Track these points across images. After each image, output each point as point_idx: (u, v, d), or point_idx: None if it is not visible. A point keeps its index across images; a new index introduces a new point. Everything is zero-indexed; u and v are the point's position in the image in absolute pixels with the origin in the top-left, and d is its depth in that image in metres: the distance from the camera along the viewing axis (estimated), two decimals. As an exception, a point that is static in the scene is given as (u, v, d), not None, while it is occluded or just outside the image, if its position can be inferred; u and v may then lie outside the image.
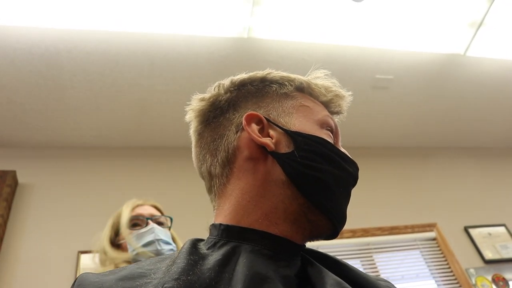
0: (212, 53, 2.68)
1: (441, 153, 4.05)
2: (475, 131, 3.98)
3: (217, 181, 0.69)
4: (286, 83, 0.74)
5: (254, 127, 0.68)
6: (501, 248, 3.37)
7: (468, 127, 3.91)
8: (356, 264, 3.10)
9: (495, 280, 3.14)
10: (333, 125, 0.75)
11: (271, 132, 0.68)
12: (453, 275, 3.16)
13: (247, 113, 0.68)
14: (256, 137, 0.66)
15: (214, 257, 0.59)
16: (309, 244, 0.69)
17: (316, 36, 2.68)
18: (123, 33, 2.46)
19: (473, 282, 3.08)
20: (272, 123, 0.69)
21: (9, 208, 2.75)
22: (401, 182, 3.73)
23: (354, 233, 3.20)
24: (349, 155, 0.73)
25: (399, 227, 3.33)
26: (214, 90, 0.74)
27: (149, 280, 0.56)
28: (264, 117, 0.69)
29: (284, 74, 0.76)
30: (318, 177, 0.65)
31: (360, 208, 3.33)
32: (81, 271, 2.62)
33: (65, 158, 3.14)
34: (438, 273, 3.18)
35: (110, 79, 2.72)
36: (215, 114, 0.72)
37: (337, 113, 0.81)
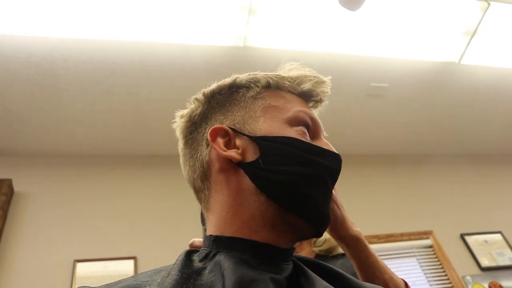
0: (208, 62, 2.69)
1: (436, 161, 4.06)
2: (470, 139, 4.00)
3: (202, 195, 0.71)
4: (252, 85, 0.73)
5: (220, 140, 0.68)
6: (497, 255, 3.38)
7: (463, 135, 3.92)
8: (352, 272, 3.09)
9: (491, 288, 3.14)
10: (307, 119, 0.71)
11: (238, 142, 0.68)
12: (450, 283, 3.16)
13: (212, 128, 0.69)
14: (222, 151, 0.67)
15: (206, 272, 0.59)
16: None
17: (312, 45, 2.70)
18: (119, 42, 2.47)
19: (470, 289, 3.08)
20: (238, 133, 0.68)
21: (4, 216, 2.74)
22: (397, 189, 3.74)
23: (351, 241, 3.19)
24: (328, 147, 0.70)
25: (395, 235, 3.33)
26: (191, 104, 0.75)
27: None
28: (230, 128, 0.69)
29: (251, 75, 0.75)
30: (285, 181, 0.64)
31: (356, 216, 3.32)
32: (77, 279, 2.61)
33: (61, 167, 3.13)
34: (435, 280, 3.18)
35: (106, 87, 2.72)
36: (191, 130, 0.73)
37: (318, 102, 0.77)
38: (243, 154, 0.67)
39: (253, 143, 0.67)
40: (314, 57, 2.79)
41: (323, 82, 0.76)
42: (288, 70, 0.77)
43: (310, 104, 0.77)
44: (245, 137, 0.68)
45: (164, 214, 3.07)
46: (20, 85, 2.59)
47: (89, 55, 2.50)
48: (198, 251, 0.67)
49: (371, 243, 3.24)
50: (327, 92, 0.77)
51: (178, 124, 0.76)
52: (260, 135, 0.67)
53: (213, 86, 0.75)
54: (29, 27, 2.28)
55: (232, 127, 0.69)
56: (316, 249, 1.38)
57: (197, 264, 0.62)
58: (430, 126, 3.70)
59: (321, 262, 0.70)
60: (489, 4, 2.59)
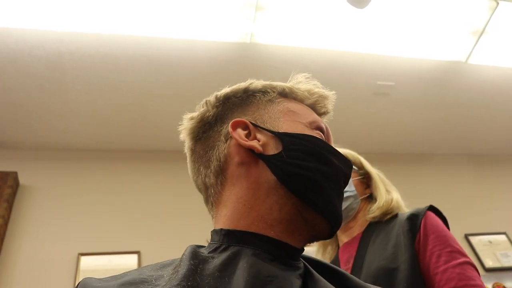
0: (214, 58, 2.69)
1: (441, 160, 4.04)
2: (476, 138, 3.98)
3: (213, 191, 0.70)
4: (269, 90, 0.75)
5: (241, 132, 0.69)
6: (502, 256, 3.36)
7: (469, 134, 3.90)
8: (355, 270, 3.08)
9: (495, 288, 3.13)
10: (323, 126, 0.75)
11: (258, 136, 0.69)
12: (453, 283, 3.14)
13: (233, 120, 0.70)
14: (242, 141, 0.68)
15: (214, 262, 0.59)
16: (308, 250, 0.69)
17: (318, 42, 2.69)
18: (125, 37, 2.47)
19: (473, 290, 3.07)
20: (258, 127, 0.70)
21: (10, 209, 2.76)
22: (400, 188, 3.68)
23: (354, 239, 3.18)
24: (341, 154, 0.73)
25: (399, 234, 3.32)
26: (201, 107, 0.76)
27: (150, 287, 0.56)
28: (250, 122, 0.70)
29: (266, 82, 0.77)
30: (306, 176, 0.65)
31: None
32: (81, 273, 2.62)
33: (66, 160, 3.15)
34: (438, 280, 3.17)
35: (111, 82, 2.72)
36: (205, 129, 0.74)
37: (324, 113, 0.82)
38: (264, 146, 0.68)
39: (275, 138, 0.68)
40: (321, 54, 2.78)
41: (328, 96, 0.82)
42: (297, 83, 0.81)
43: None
44: (265, 131, 0.69)
45: (168, 209, 3.07)
46: (26, 79, 2.60)
47: (95, 49, 2.50)
48: (204, 246, 0.67)
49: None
50: (331, 107, 0.83)
51: (187, 125, 0.76)
52: (282, 131, 0.69)
53: (227, 90, 0.76)
54: (35, 20, 2.29)
55: (253, 122, 0.71)
56: (369, 218, 1.41)
57: (204, 255, 0.62)
58: (436, 125, 3.68)
59: (325, 262, 0.71)
60: (497, 3, 2.57)
